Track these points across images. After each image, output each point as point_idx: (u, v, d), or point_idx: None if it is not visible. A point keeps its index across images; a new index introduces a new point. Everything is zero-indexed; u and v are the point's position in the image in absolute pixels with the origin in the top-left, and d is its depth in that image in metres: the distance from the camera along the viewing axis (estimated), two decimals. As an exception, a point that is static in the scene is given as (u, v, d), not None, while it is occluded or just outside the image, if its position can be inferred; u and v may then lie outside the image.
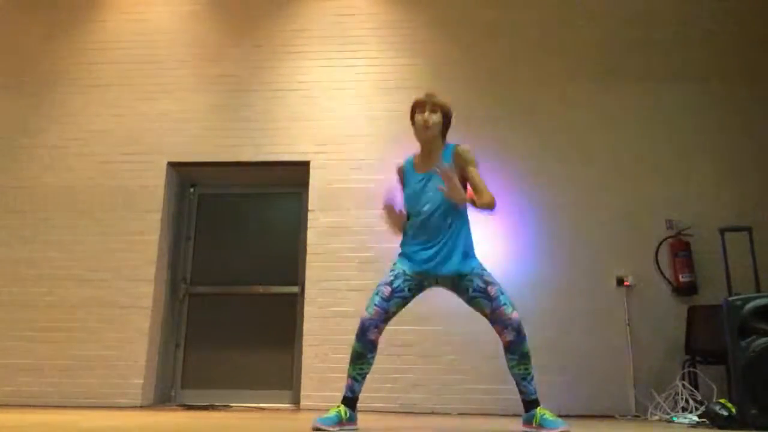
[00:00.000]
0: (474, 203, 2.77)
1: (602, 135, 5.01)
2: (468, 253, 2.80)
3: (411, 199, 2.88)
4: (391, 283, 2.75)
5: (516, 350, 2.67)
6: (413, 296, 2.81)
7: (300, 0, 5.48)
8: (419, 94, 2.96)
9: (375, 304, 2.73)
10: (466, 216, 2.87)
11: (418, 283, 2.80)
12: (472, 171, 2.82)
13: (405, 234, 2.90)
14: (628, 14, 5.24)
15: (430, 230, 2.79)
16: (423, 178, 2.87)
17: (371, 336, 2.70)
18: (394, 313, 2.77)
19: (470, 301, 2.76)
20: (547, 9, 5.30)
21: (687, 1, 5.24)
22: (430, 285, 2.83)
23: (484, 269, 2.78)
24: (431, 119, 2.86)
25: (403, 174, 2.98)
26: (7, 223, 5.07)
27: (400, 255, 2.88)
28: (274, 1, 5.49)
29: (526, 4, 5.32)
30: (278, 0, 5.49)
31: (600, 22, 5.24)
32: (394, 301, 2.74)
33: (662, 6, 5.25)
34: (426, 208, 2.81)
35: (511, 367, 2.70)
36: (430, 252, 2.77)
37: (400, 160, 3.04)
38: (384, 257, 4.76)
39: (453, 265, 2.75)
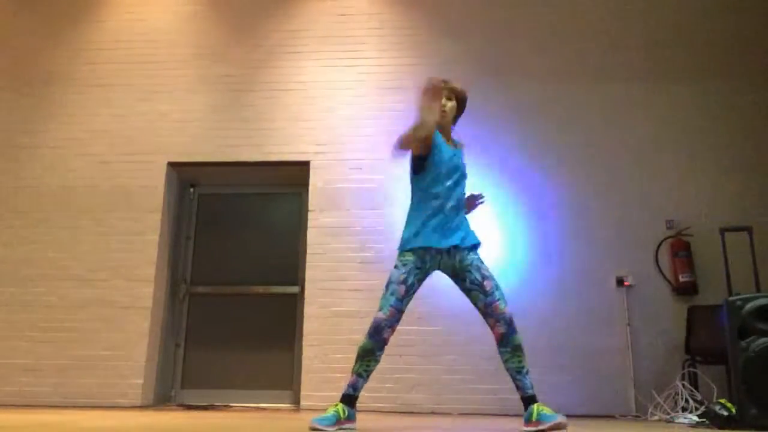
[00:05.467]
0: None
1: (603, 135, 5.00)
2: (471, 237, 2.90)
3: (443, 169, 2.83)
4: (405, 281, 2.76)
5: (508, 342, 2.70)
6: (420, 286, 2.86)
7: (300, 0, 5.48)
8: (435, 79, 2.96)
9: (391, 305, 2.73)
10: None
11: (425, 273, 2.83)
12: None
13: (418, 210, 2.84)
14: (629, 14, 5.24)
15: (452, 206, 2.84)
16: (455, 154, 2.92)
17: (385, 335, 2.73)
18: (405, 309, 2.81)
19: (466, 292, 2.81)
20: (547, 9, 5.30)
21: (687, 0, 5.24)
22: (433, 269, 2.84)
23: (482, 261, 2.83)
24: (447, 105, 2.92)
25: (434, 138, 2.86)
26: (7, 223, 5.07)
27: (410, 239, 2.78)
28: (274, 1, 5.49)
29: (526, 4, 5.32)
30: (278, 0, 5.49)
31: (600, 21, 5.24)
32: (408, 298, 2.79)
33: (662, 6, 5.24)
34: (461, 182, 2.90)
35: (505, 361, 2.73)
36: (451, 227, 2.81)
37: (405, 161, 3.07)
38: (384, 257, 4.76)
39: (468, 239, 2.83)
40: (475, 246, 2.85)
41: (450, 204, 2.83)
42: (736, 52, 5.10)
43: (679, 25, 5.19)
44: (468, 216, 3.02)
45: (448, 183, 2.85)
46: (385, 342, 2.73)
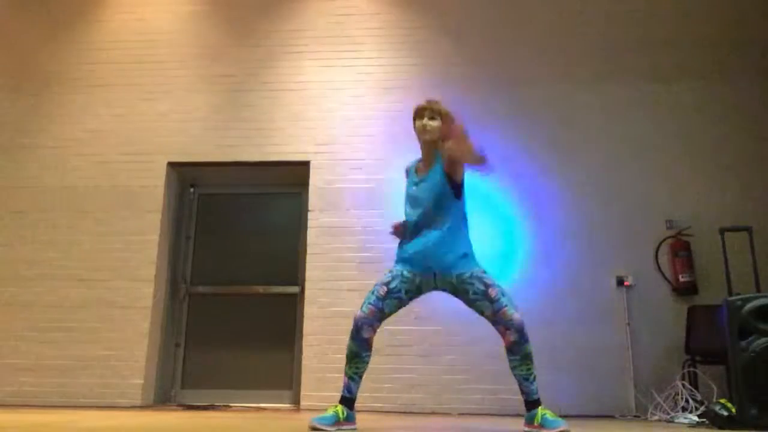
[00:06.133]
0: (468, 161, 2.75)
1: (602, 135, 5.00)
2: (467, 254, 2.79)
3: (409, 198, 2.93)
4: (387, 284, 2.76)
5: (518, 351, 2.67)
6: (409, 300, 2.80)
7: (300, 0, 5.49)
8: (420, 100, 3.00)
9: (369, 303, 2.74)
10: (464, 216, 2.87)
11: (416, 287, 2.79)
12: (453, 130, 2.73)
13: (404, 237, 2.92)
14: (629, 14, 5.24)
15: (427, 229, 2.80)
16: (421, 179, 2.90)
17: (365, 335, 2.71)
18: (389, 314, 2.77)
19: (471, 304, 2.75)
20: (547, 8, 5.30)
21: (688, 1, 5.24)
22: (428, 289, 2.81)
23: (483, 271, 2.76)
24: (429, 125, 2.90)
25: (407, 175, 3.05)
26: (7, 223, 5.07)
27: (397, 258, 2.88)
28: (274, 1, 5.49)
29: (526, 4, 5.32)
30: (278, 0, 5.49)
31: (600, 21, 5.24)
32: (389, 301, 2.74)
33: (663, 5, 5.24)
34: (421, 208, 2.83)
35: (513, 368, 2.69)
36: (427, 250, 2.77)
37: (404, 161, 3.06)
38: (384, 257, 4.76)
39: (451, 265, 2.74)
40: (461, 273, 2.74)
41: (426, 232, 2.79)
42: (737, 51, 5.10)
43: (679, 25, 5.19)
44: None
45: (420, 210, 2.83)
46: (367, 342, 2.71)
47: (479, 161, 2.70)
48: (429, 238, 2.78)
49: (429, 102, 2.94)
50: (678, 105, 5.03)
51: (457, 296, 2.80)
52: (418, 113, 2.94)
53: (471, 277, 2.73)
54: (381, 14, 5.39)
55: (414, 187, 2.91)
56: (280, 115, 5.21)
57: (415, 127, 2.96)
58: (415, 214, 2.85)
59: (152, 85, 5.33)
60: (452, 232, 2.81)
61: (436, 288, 2.81)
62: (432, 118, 2.91)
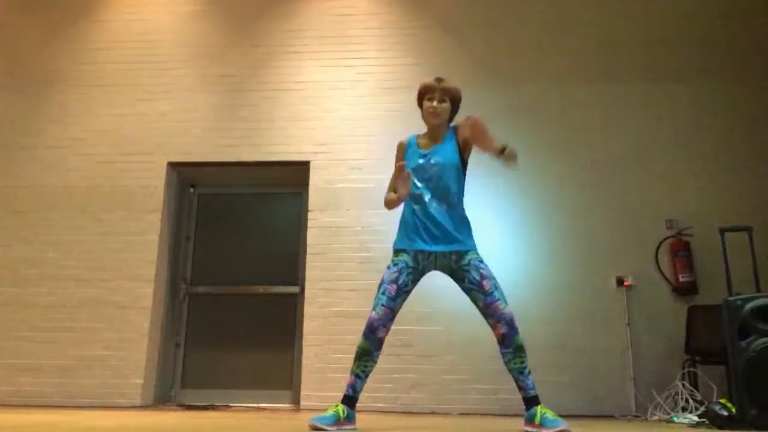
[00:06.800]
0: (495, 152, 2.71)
1: (602, 135, 5.00)
2: (469, 233, 2.83)
3: (416, 176, 2.85)
4: (396, 280, 2.74)
5: (510, 343, 2.68)
6: (415, 286, 2.81)
7: (300, 0, 5.49)
8: (428, 78, 2.91)
9: (382, 305, 2.71)
10: (462, 196, 2.89)
11: (420, 273, 2.80)
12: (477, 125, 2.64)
13: (406, 212, 2.87)
14: (629, 14, 5.24)
15: (433, 207, 2.80)
16: (427, 154, 2.87)
17: (380, 334, 2.71)
18: (399, 309, 2.78)
19: (466, 291, 2.78)
20: (547, 9, 5.30)
21: (687, 1, 5.24)
22: (429, 269, 2.82)
23: (480, 260, 2.77)
24: (440, 107, 2.87)
25: (404, 151, 2.94)
26: (7, 223, 5.07)
27: (399, 239, 2.83)
28: (274, 1, 5.49)
29: (526, 4, 5.32)
30: (278, 0, 5.49)
31: (600, 22, 5.24)
32: (401, 297, 2.75)
33: (662, 5, 5.24)
34: (431, 182, 2.82)
35: (507, 362, 2.70)
36: (435, 230, 2.77)
37: (403, 138, 3.01)
38: (384, 257, 4.76)
39: (457, 243, 2.76)
40: (466, 251, 2.78)
41: (433, 206, 2.80)
42: (737, 52, 5.10)
43: (679, 25, 5.19)
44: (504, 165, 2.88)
45: (428, 186, 2.82)
46: (380, 342, 2.71)
47: (501, 151, 2.69)
48: (441, 221, 2.78)
49: (438, 80, 2.87)
50: (678, 105, 5.03)
51: (454, 279, 2.82)
52: (427, 92, 2.89)
53: (468, 265, 2.75)
54: (381, 14, 5.39)
55: (421, 160, 2.85)
56: (280, 115, 5.21)
57: (422, 107, 2.92)
58: (424, 190, 2.82)
59: (152, 85, 5.33)
60: (460, 209, 2.85)
61: (435, 268, 2.82)
62: (442, 101, 2.88)
